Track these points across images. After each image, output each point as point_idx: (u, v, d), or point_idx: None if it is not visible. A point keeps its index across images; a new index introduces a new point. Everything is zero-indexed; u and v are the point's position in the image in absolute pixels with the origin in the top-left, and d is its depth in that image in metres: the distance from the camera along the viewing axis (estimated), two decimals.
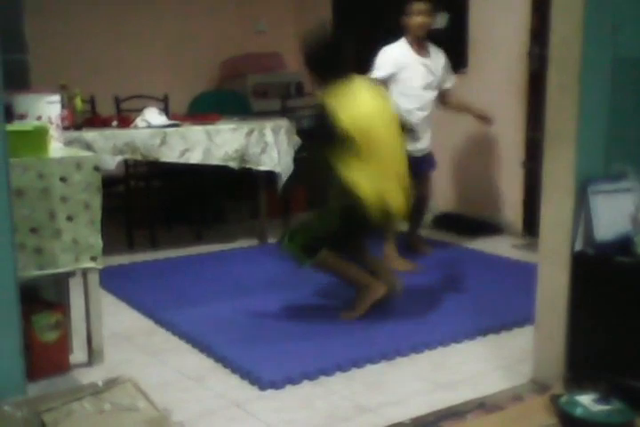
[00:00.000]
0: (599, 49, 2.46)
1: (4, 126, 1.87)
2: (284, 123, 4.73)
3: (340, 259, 3.38)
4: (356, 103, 3.22)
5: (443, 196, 5.44)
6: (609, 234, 2.50)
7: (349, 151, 3.17)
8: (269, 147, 4.53)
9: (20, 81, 3.00)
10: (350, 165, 3.21)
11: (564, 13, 2.47)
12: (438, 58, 4.32)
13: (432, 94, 4.28)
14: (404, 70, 4.15)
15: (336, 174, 3.23)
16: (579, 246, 2.51)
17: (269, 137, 4.53)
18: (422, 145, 4.27)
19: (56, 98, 2.94)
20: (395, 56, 4.17)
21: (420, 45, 4.24)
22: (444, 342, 3.10)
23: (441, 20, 5.28)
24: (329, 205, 3.43)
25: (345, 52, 3.35)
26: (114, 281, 3.80)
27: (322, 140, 3.36)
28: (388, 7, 5.66)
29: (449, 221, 5.20)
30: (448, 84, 4.38)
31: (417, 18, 4.16)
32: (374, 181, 3.21)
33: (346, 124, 3.14)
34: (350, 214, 3.26)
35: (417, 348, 3.03)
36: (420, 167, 4.06)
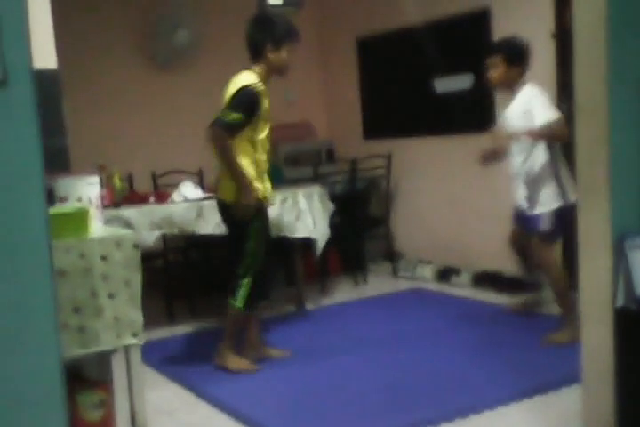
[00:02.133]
0: (625, 104, 2.48)
1: (47, 210, 1.94)
2: (316, 189, 4.80)
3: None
4: None
5: (480, 253, 5.41)
6: None
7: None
8: (303, 213, 4.58)
9: (59, 164, 3.09)
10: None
11: (587, 71, 2.50)
12: None
13: None
14: None
15: None
16: (620, 302, 2.47)
17: (303, 204, 4.59)
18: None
19: (95, 179, 3.04)
20: None
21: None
22: (489, 405, 3.04)
23: (466, 81, 5.38)
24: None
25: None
26: (155, 355, 3.82)
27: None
28: (413, 71, 5.81)
29: (488, 279, 5.15)
30: None
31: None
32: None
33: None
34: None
35: (462, 412, 2.98)
36: None
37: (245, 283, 3.59)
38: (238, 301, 3.60)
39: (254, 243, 3.59)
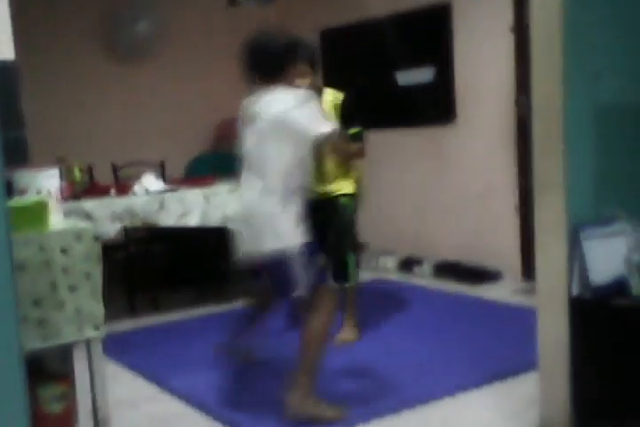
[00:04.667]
0: (581, 97, 2.54)
1: (5, 203, 1.92)
2: None
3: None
4: None
5: (441, 244, 5.48)
6: (604, 277, 2.53)
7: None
8: None
9: (19, 156, 3.05)
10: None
11: (543, 64, 2.55)
12: None
13: None
14: None
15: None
16: (576, 291, 2.54)
17: None
18: None
19: (54, 172, 3.01)
20: None
21: None
22: (450, 392, 3.10)
23: (427, 74, 5.43)
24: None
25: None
26: (117, 348, 3.80)
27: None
28: (375, 64, 5.84)
29: (448, 270, 5.23)
30: None
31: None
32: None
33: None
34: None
35: (423, 399, 3.03)
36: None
37: (351, 259, 3.79)
38: (351, 279, 3.80)
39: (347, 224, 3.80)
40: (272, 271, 2.96)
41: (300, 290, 2.83)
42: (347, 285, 3.85)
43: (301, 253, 2.81)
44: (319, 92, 3.68)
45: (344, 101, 3.77)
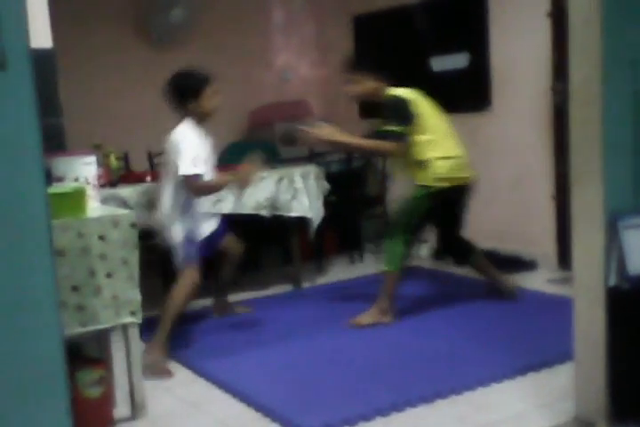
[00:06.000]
0: (619, 84, 2.49)
1: (46, 190, 1.95)
2: (312, 168, 4.81)
3: (399, 281, 4.05)
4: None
5: (476, 232, 5.44)
6: None
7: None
8: (299, 193, 4.60)
9: (56, 144, 3.09)
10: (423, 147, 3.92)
11: (581, 51, 2.51)
12: None
13: None
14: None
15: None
16: (612, 281, 2.51)
17: (299, 183, 4.61)
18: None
19: (91, 159, 3.05)
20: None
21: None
22: (483, 382, 3.09)
23: (462, 60, 5.37)
24: (411, 193, 4.03)
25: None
26: (153, 332, 3.85)
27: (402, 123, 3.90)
28: (410, 50, 5.80)
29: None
30: None
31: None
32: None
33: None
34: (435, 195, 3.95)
35: (456, 389, 3.02)
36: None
37: (396, 246, 4.01)
38: (388, 264, 4.04)
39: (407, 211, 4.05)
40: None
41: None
42: (385, 268, 4.04)
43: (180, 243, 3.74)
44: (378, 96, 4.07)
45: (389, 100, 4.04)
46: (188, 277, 3.75)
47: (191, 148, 3.68)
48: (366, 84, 4.07)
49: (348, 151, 4.68)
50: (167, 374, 3.46)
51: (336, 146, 4.38)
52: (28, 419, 1.90)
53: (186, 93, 3.79)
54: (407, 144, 3.93)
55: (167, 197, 3.76)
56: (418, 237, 4.17)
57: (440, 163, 3.94)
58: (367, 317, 3.99)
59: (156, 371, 3.44)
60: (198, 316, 4.38)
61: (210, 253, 3.93)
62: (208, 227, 3.88)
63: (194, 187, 3.68)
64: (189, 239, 3.76)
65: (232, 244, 4.13)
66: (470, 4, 5.25)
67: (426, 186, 3.96)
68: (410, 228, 3.99)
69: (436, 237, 4.49)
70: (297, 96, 6.39)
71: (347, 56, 4.42)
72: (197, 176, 3.65)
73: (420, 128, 3.93)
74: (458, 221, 4.30)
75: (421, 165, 3.96)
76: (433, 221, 4.22)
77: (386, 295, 4.01)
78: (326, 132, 4.07)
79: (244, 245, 4.21)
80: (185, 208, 3.76)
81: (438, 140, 3.98)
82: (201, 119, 3.83)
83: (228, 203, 4.37)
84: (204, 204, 3.92)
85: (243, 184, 3.81)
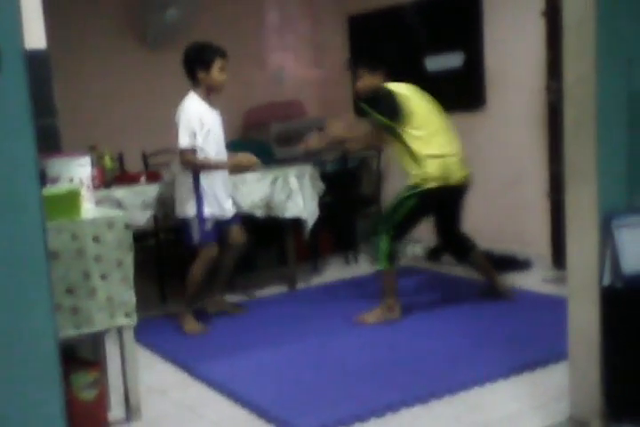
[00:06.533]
0: (614, 84, 2.49)
1: (41, 191, 1.94)
2: (307, 169, 4.81)
3: (396, 277, 4.07)
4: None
5: (470, 232, 5.44)
6: (636, 267, 2.49)
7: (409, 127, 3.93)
8: (294, 193, 4.60)
9: (51, 145, 3.09)
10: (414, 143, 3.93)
11: (576, 50, 2.51)
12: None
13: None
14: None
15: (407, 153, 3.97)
16: (607, 280, 2.51)
17: (294, 184, 4.61)
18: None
19: (86, 160, 3.04)
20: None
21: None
22: (478, 382, 3.09)
23: (456, 60, 5.38)
24: (401, 191, 4.05)
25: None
26: (148, 335, 3.85)
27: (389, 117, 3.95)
28: (404, 49, 5.80)
29: None
30: None
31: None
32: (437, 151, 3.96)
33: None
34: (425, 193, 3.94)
35: (451, 389, 3.03)
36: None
37: (383, 243, 4.01)
38: (379, 262, 4.05)
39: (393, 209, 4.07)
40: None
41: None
42: (378, 268, 4.08)
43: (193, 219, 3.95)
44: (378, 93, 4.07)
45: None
46: (206, 254, 4.01)
47: (189, 120, 3.90)
48: (368, 80, 4.13)
49: (347, 148, 4.82)
50: (201, 330, 4.01)
51: (339, 143, 4.52)
52: (22, 421, 1.89)
53: (197, 63, 3.95)
54: (380, 132, 4.06)
55: (179, 172, 4.00)
56: (404, 235, 4.15)
57: (429, 161, 3.93)
58: (374, 315, 4.00)
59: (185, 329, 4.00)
60: (196, 315, 4.37)
61: (214, 237, 4.04)
62: (219, 208, 4.03)
63: (183, 160, 3.90)
64: (202, 217, 3.94)
65: (236, 233, 4.20)
66: (464, 4, 5.25)
67: (413, 185, 3.97)
68: (393, 225, 3.98)
69: (436, 235, 4.49)
70: (291, 96, 6.39)
71: (349, 54, 4.55)
72: (190, 150, 3.88)
73: (410, 124, 3.94)
74: (455, 219, 4.31)
75: (411, 161, 3.97)
76: (423, 220, 4.22)
77: (388, 292, 4.01)
78: (338, 128, 4.28)
79: (247, 237, 4.28)
80: (195, 185, 3.94)
81: (429, 137, 3.97)
82: (209, 91, 4.02)
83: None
84: (218, 184, 4.02)
85: (237, 169, 4.07)
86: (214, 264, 4.11)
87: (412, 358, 3.42)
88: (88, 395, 2.79)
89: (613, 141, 2.52)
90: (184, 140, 3.87)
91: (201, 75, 3.96)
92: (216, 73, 3.97)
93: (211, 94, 4.05)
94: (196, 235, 3.98)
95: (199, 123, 3.92)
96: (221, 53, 3.99)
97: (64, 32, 5.08)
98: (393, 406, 2.90)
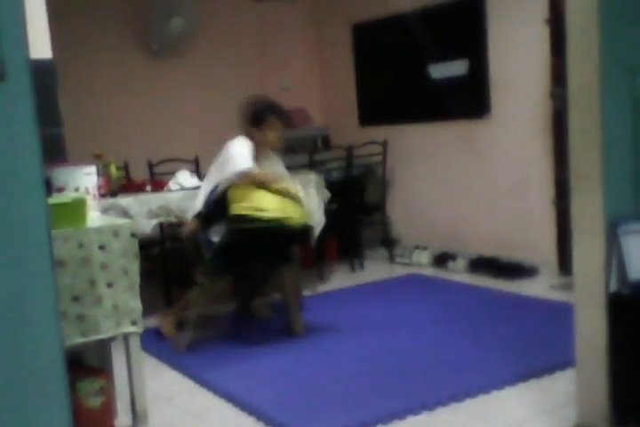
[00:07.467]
0: (618, 90, 2.50)
1: (46, 200, 1.95)
2: (312, 176, 4.82)
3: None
4: None
5: (476, 239, 5.45)
6: None
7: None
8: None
9: (57, 154, 3.10)
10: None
11: (580, 57, 2.51)
12: None
13: None
14: None
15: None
16: (613, 287, 2.51)
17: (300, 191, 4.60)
18: None
19: (92, 169, 3.06)
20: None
21: None
22: (485, 389, 3.08)
23: (461, 67, 5.39)
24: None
25: None
26: (154, 342, 3.85)
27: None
28: (408, 57, 5.82)
29: (483, 265, 5.19)
30: None
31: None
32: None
33: None
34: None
35: (458, 397, 3.02)
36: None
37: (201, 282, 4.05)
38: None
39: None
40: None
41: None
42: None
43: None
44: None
45: None
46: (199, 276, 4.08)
47: (242, 146, 3.84)
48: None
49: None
50: (177, 336, 3.96)
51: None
52: None
53: (249, 119, 3.90)
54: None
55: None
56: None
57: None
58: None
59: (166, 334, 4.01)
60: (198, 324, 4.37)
61: None
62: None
63: (250, 178, 3.82)
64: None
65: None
66: (468, 12, 5.27)
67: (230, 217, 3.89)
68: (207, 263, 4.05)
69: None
70: (296, 104, 6.41)
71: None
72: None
73: None
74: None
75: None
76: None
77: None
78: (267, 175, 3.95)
79: None
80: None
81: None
82: (258, 147, 3.92)
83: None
84: None
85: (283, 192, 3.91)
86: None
87: (417, 365, 3.41)
88: (94, 403, 2.79)
89: (618, 148, 2.52)
90: (245, 164, 3.77)
91: (251, 130, 3.90)
92: (268, 131, 3.89)
93: (259, 151, 3.94)
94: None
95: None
96: (272, 111, 3.89)
97: (70, 42, 5.13)
98: (399, 414, 2.89)
